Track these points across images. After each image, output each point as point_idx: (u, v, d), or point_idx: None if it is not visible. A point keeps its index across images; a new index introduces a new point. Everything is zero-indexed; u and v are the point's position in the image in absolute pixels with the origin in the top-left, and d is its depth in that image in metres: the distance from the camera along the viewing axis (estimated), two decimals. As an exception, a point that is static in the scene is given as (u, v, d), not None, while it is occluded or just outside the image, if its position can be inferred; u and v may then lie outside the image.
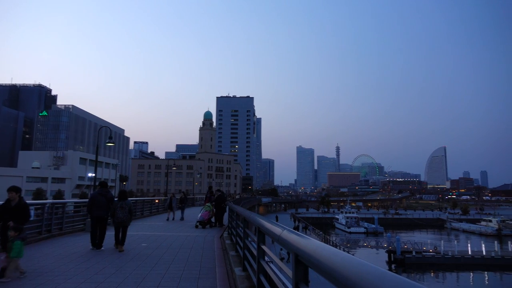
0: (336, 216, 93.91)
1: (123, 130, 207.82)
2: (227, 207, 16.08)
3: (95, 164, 23.84)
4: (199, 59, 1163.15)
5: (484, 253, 46.93)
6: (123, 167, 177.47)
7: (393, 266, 46.21)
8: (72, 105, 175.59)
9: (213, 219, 19.59)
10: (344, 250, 42.84)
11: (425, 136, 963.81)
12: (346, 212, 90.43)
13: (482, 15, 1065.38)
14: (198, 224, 18.68)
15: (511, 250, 48.12)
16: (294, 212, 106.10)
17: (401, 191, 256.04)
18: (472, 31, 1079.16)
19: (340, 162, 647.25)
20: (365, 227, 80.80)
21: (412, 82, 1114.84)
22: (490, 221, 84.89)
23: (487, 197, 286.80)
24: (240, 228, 8.18)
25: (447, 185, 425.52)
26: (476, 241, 62.55)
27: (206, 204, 19.85)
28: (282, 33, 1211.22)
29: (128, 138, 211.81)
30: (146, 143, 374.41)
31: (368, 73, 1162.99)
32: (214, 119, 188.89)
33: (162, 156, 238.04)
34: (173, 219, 22.93)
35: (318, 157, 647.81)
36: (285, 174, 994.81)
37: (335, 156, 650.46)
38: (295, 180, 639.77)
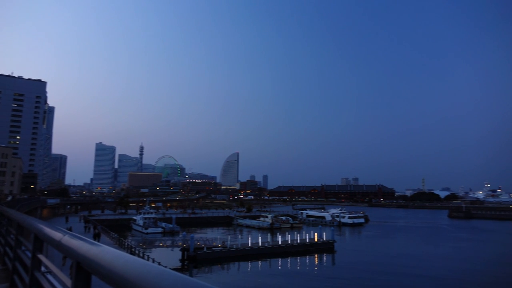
0: (134, 217, 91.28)
1: None
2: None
3: None
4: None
5: (260, 244, 55.81)
6: None
7: (186, 263, 48.69)
8: None
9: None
10: (139, 252, 42.08)
11: (224, 141, 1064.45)
12: (144, 213, 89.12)
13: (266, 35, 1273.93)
14: None
15: (278, 240, 59.02)
16: (86, 214, 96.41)
17: (199, 192, 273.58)
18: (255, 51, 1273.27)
19: (143, 162, 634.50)
20: (162, 227, 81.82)
21: (218, 91, 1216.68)
22: (267, 216, 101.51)
23: (266, 197, 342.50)
24: (12, 236, 6.82)
25: (237, 186, 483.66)
26: (255, 234, 73.40)
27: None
28: (86, 23, 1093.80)
29: None
30: None
31: (176, 78, 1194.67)
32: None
33: None
34: None
35: (120, 155, 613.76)
36: (80, 173, 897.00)
37: (138, 156, 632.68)
38: (91, 180, 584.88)
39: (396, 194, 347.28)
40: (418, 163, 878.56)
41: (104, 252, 2.09)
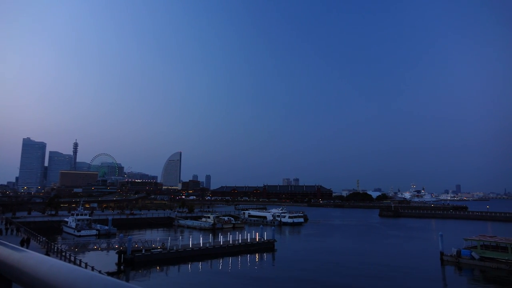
0: (65, 219, 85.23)
1: None
2: None
3: None
4: None
5: (201, 245, 55.25)
6: None
7: (122, 266, 46.61)
8: None
9: None
10: (69, 256, 39.38)
11: (165, 141, 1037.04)
12: (77, 214, 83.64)
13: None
14: None
15: (220, 241, 58.92)
16: (10, 216, 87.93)
17: (138, 192, 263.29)
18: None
19: (78, 160, 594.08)
20: (97, 229, 77.59)
21: (153, 87, 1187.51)
22: (209, 217, 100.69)
23: (209, 197, 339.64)
24: None
25: (179, 186, 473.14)
26: (197, 235, 72.45)
27: None
28: (15, 5, 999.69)
29: None
30: None
31: (111, 74, 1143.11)
32: None
33: None
34: None
35: (51, 152, 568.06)
36: (3, 171, 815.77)
37: (71, 153, 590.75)
38: (17, 178, 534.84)
39: (334, 194, 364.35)
40: (354, 165, 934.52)
41: (27, 257, 1.94)
